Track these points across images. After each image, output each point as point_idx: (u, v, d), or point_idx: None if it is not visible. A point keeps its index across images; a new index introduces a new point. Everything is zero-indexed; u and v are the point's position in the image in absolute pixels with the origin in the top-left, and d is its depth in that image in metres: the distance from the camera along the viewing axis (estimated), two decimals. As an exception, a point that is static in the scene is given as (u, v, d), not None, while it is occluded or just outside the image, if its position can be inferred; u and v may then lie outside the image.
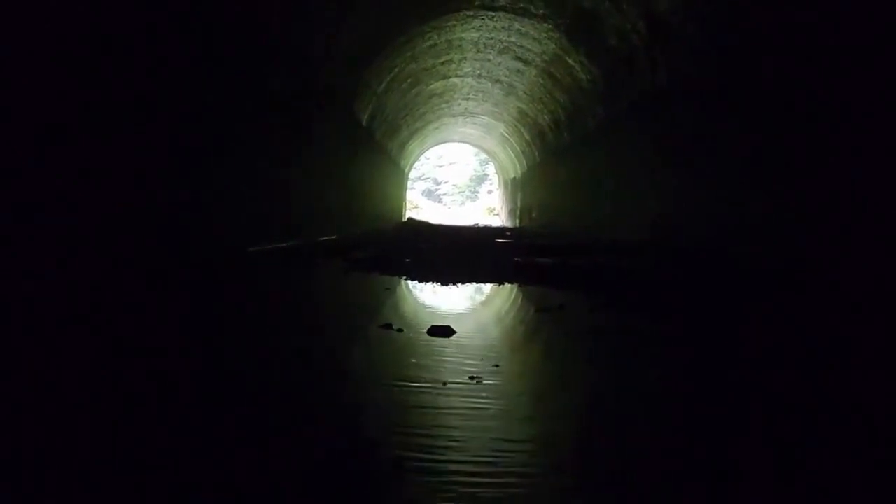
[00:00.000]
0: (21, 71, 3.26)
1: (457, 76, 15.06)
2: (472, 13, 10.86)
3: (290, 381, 2.44)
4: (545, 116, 15.31)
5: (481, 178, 53.10)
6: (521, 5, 10.22)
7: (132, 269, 4.36)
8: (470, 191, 54.10)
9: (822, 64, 4.66)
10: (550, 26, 10.62)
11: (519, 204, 23.27)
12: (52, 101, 3.50)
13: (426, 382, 2.44)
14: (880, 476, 1.66)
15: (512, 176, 24.81)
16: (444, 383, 2.42)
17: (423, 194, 51.42)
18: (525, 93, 15.04)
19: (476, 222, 29.44)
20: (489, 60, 13.70)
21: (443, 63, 13.78)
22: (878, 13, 4.04)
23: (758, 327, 3.86)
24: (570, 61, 11.42)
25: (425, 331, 3.43)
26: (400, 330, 3.43)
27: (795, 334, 3.68)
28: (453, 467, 1.64)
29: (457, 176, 55.63)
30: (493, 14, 10.86)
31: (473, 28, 11.70)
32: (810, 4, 4.81)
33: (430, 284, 5.71)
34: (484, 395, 2.31)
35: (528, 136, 18.30)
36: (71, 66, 3.65)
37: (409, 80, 13.95)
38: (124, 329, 3.14)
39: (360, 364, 2.82)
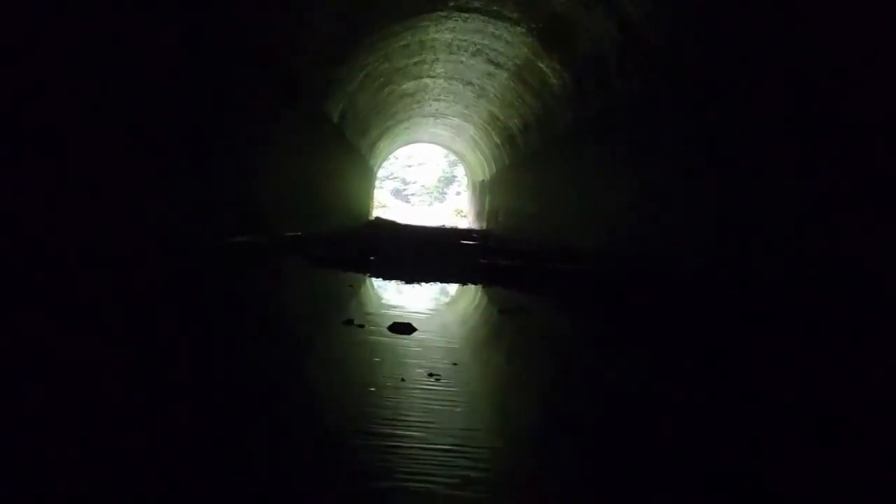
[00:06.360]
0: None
1: (429, 77, 15.04)
2: (445, 14, 10.86)
3: (249, 374, 2.42)
4: (515, 120, 15.36)
5: (450, 180, 53.15)
6: (495, 8, 10.25)
7: (88, 262, 4.29)
8: (438, 192, 54.13)
9: (790, 79, 4.74)
10: (523, 30, 10.66)
11: (487, 207, 23.31)
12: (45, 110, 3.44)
13: (385, 378, 2.44)
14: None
15: (481, 178, 24.86)
16: (403, 379, 2.43)
17: (391, 194, 51.30)
18: (496, 96, 15.08)
19: (443, 224, 29.47)
20: (461, 62, 13.71)
21: (415, 63, 13.76)
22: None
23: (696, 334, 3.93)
24: (542, 66, 11.47)
25: (386, 327, 3.43)
26: (361, 326, 3.43)
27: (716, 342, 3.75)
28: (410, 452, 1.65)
29: (425, 176, 55.62)
30: (467, 16, 10.88)
31: (447, 29, 11.70)
32: (779, 19, 4.90)
33: (393, 282, 5.70)
34: (441, 392, 2.32)
35: (497, 140, 18.36)
36: (66, 75, 3.58)
37: (381, 79, 13.90)
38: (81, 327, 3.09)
39: (320, 358, 2.81)
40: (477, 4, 10.29)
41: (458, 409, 2.11)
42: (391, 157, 32.77)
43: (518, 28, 10.72)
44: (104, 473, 1.44)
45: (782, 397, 2.55)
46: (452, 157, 40.14)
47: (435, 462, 1.65)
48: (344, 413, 2.02)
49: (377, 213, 28.83)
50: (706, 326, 4.21)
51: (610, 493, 1.56)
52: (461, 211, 36.14)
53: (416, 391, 2.29)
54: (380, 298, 4.88)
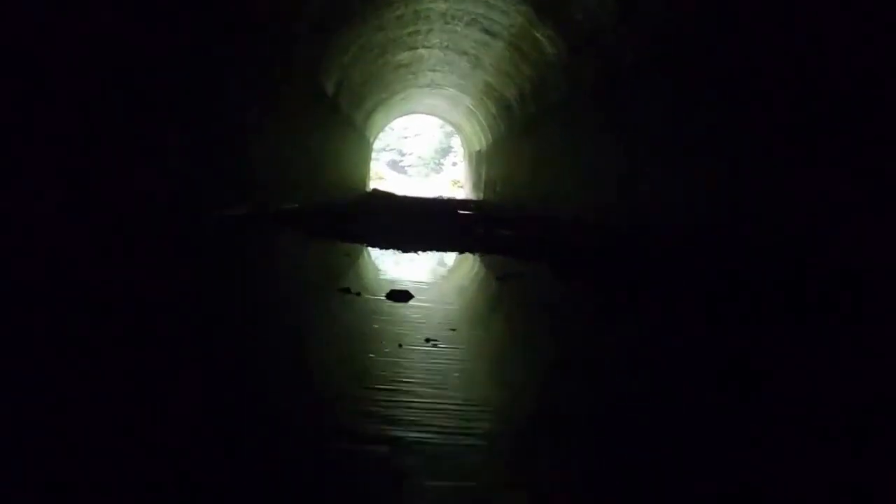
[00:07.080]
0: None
1: (424, 47, 14.94)
2: (440, -17, 10.79)
3: (249, 339, 2.48)
4: (511, 90, 15.29)
5: (446, 151, 52.89)
6: (490, -24, 10.18)
7: (84, 234, 4.33)
8: (435, 163, 53.90)
9: (792, 47, 4.75)
10: (518, -1, 10.60)
11: (483, 177, 23.25)
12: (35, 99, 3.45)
13: (384, 344, 2.50)
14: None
15: (477, 149, 24.77)
16: (400, 345, 2.48)
17: (387, 165, 51.09)
18: (492, 66, 14.99)
19: (440, 194, 29.43)
20: (456, 32, 13.61)
21: (410, 34, 13.66)
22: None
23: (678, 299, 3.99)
24: (538, 35, 11.41)
25: (384, 295, 3.48)
26: (358, 293, 3.48)
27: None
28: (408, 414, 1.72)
29: (422, 147, 55.33)
30: (462, -16, 10.81)
31: (441, -2, 11.62)
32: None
33: (391, 252, 5.75)
34: (439, 356, 2.38)
35: (493, 110, 18.28)
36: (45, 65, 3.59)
37: (375, 51, 13.81)
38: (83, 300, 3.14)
39: (316, 326, 2.87)
40: (471, -28, 10.21)
41: (456, 375, 2.17)
42: (387, 128, 32.60)
43: (513, -4, 10.64)
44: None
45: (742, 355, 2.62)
46: (449, 128, 39.89)
47: (433, 418, 1.71)
48: (342, 378, 2.08)
49: (374, 184, 28.77)
50: (698, 296, 4.27)
51: (599, 448, 1.63)
52: (458, 182, 36.04)
53: (415, 356, 2.35)
54: (377, 267, 4.94)
